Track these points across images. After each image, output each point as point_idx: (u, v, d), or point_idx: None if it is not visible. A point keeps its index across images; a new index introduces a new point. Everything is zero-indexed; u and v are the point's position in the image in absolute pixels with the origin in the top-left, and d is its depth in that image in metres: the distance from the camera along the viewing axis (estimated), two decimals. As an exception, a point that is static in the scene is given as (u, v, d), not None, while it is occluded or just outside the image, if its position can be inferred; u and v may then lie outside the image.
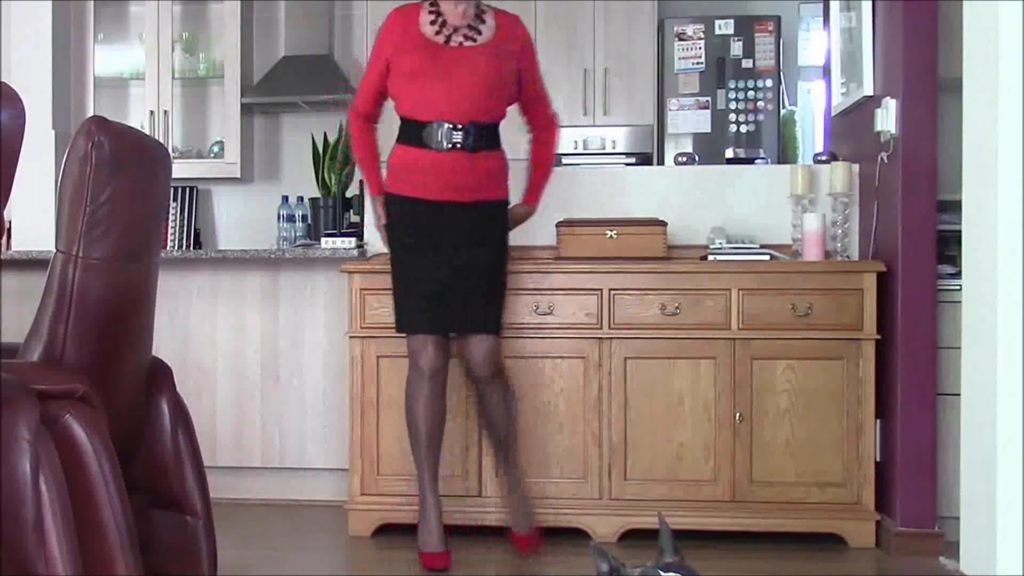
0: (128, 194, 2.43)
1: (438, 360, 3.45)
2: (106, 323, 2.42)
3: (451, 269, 3.40)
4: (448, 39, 3.43)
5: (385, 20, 3.52)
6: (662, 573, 1.96)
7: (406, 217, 3.45)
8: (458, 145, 3.37)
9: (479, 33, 3.45)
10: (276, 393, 4.44)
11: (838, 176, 3.98)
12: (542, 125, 3.65)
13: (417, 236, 3.44)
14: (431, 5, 3.48)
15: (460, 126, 3.37)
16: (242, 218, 5.96)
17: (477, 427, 3.79)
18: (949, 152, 3.49)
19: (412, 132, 3.42)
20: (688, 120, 5.56)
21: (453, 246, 3.40)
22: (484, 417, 3.56)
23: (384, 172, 3.56)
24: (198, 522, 2.74)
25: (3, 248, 4.68)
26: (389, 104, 3.59)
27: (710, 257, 3.89)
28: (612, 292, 3.79)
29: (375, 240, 4.27)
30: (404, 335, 3.50)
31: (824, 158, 4.22)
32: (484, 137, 3.41)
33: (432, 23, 3.44)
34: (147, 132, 5.38)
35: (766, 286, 3.75)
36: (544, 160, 3.65)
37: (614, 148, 5.55)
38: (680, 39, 5.57)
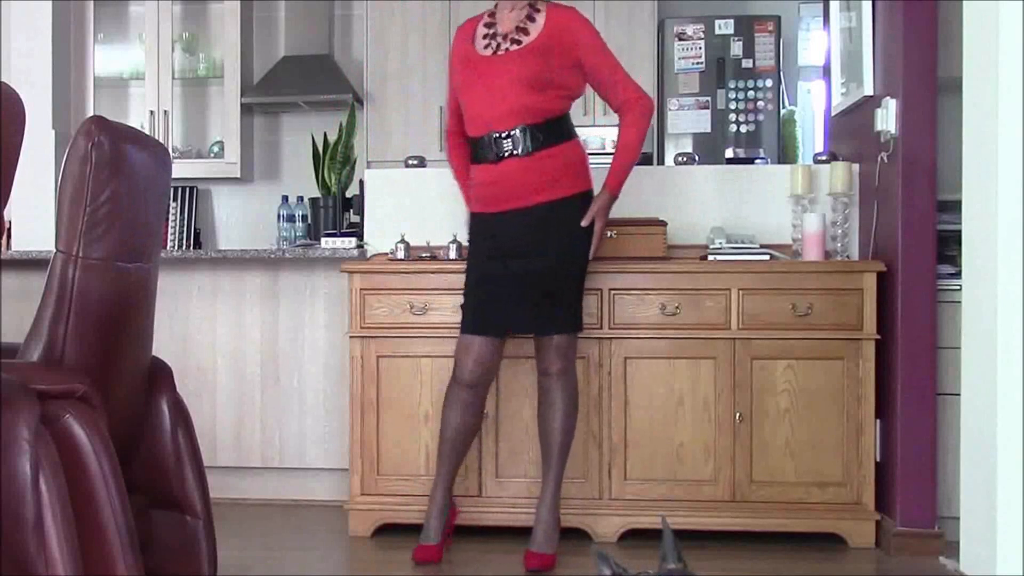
0: (128, 194, 2.43)
1: (475, 371, 3.42)
2: (106, 323, 2.42)
3: (510, 275, 3.39)
4: (496, 49, 3.42)
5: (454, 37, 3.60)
6: (664, 579, 1.95)
7: (479, 232, 3.49)
8: (512, 153, 3.36)
9: (526, 34, 3.41)
10: (276, 393, 4.44)
11: (838, 176, 3.98)
12: (618, 108, 3.50)
13: (485, 247, 3.45)
14: (489, 15, 3.51)
15: (507, 134, 3.35)
16: (242, 218, 5.97)
17: (480, 428, 3.78)
18: (949, 152, 3.49)
19: (472, 150, 3.47)
20: (688, 120, 5.56)
21: (518, 250, 3.39)
22: (540, 423, 3.52)
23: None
24: (198, 522, 2.74)
25: (3, 248, 4.68)
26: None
27: (710, 257, 3.89)
28: (612, 292, 3.79)
29: (375, 240, 4.28)
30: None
31: (824, 158, 4.21)
32: (539, 137, 3.36)
33: (485, 36, 3.47)
34: (147, 132, 5.38)
35: (766, 286, 3.75)
36: (622, 144, 3.49)
37: (614, 148, 5.54)
38: (680, 39, 5.57)
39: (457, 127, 3.60)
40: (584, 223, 3.41)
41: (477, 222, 3.51)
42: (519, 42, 3.41)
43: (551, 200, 3.39)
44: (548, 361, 3.45)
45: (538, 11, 3.44)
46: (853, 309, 3.72)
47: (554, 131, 3.39)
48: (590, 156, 5.60)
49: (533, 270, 3.39)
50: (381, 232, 4.26)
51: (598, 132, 5.56)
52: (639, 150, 3.52)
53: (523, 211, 3.38)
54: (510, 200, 3.39)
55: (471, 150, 3.50)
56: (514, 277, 3.39)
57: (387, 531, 3.84)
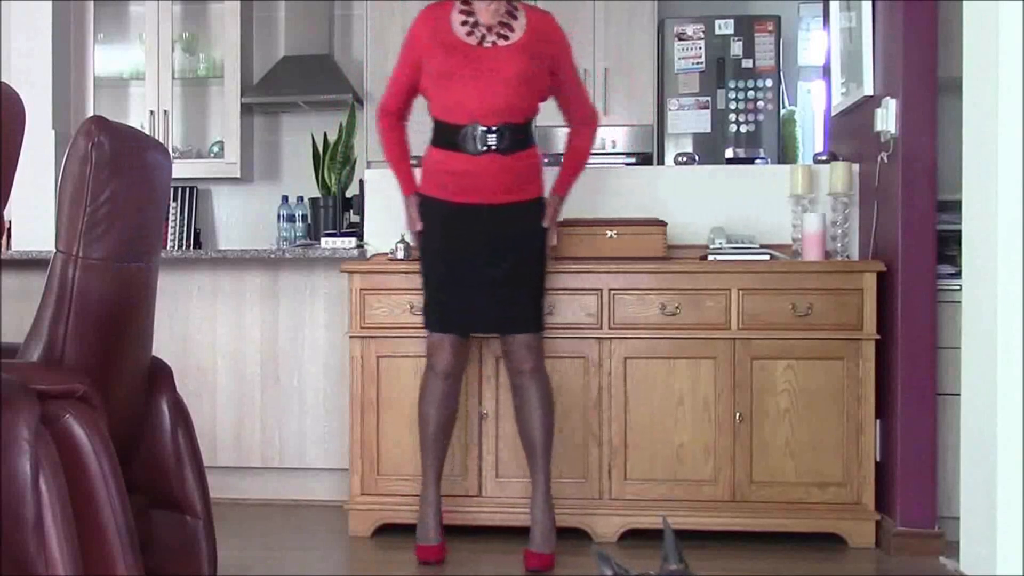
0: (128, 194, 2.43)
1: (453, 362, 3.46)
2: (106, 323, 2.42)
3: (485, 271, 3.40)
4: (481, 40, 3.40)
5: (416, 17, 3.50)
6: (665, 580, 1.95)
7: (439, 219, 3.46)
8: (492, 148, 3.36)
9: (511, 31, 3.42)
10: (276, 393, 4.44)
11: (838, 176, 3.98)
12: (579, 120, 3.61)
13: (449, 239, 3.44)
14: (463, 3, 3.46)
15: (493, 129, 3.35)
16: (242, 218, 5.97)
17: (478, 428, 3.79)
18: (949, 152, 3.49)
19: (445, 135, 3.41)
20: (688, 120, 5.56)
21: (487, 248, 3.40)
22: (520, 423, 3.52)
23: (418, 173, 3.55)
24: (198, 522, 2.74)
25: (3, 248, 4.68)
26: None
27: (710, 257, 3.89)
28: (612, 292, 3.79)
29: (375, 240, 4.28)
30: (425, 333, 3.52)
31: (824, 158, 4.21)
32: (518, 138, 3.40)
33: (464, 23, 3.42)
34: (147, 132, 5.38)
35: (766, 286, 3.75)
36: (577, 153, 3.63)
37: (614, 148, 5.56)
38: (680, 39, 5.57)
39: (399, 109, 3.56)
40: (546, 224, 3.50)
41: (437, 208, 3.46)
42: (506, 38, 3.41)
43: (519, 201, 3.43)
44: (520, 360, 3.45)
45: (516, 9, 3.46)
46: (853, 309, 3.72)
47: (528, 134, 3.46)
48: (592, 156, 5.63)
49: (509, 266, 3.41)
50: (381, 232, 4.26)
51: (599, 132, 5.54)
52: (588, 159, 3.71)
53: (493, 207, 3.39)
54: (482, 194, 3.39)
55: (440, 133, 3.43)
56: (492, 275, 3.40)
57: (387, 531, 3.84)
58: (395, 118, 3.57)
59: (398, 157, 3.59)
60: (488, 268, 3.40)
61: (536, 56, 3.42)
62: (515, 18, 3.44)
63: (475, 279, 3.41)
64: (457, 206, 3.42)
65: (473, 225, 3.41)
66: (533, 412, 3.46)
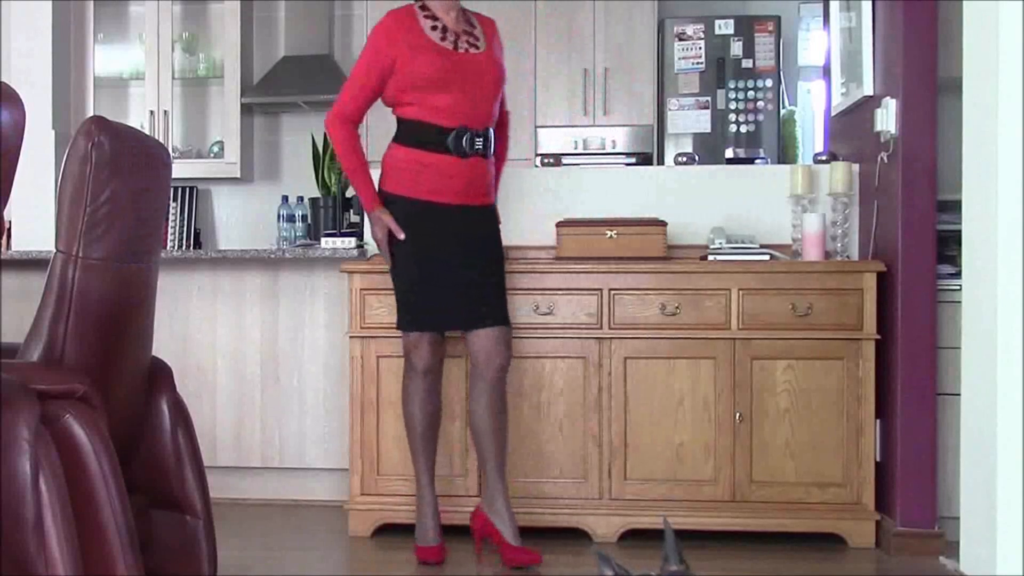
0: (128, 194, 2.43)
1: (431, 359, 3.49)
2: (106, 323, 2.42)
3: (461, 273, 3.42)
4: (455, 45, 3.43)
5: (382, 22, 3.46)
6: (665, 581, 1.95)
7: (402, 218, 3.43)
8: (480, 152, 3.41)
9: (477, 39, 3.49)
10: (276, 393, 4.44)
11: (838, 176, 3.98)
12: (502, 121, 3.67)
13: (416, 237, 3.43)
14: (423, 9, 3.47)
15: (480, 133, 3.41)
16: (242, 218, 5.97)
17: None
18: (949, 152, 3.49)
19: (426, 136, 3.39)
20: (688, 120, 5.56)
21: (460, 249, 3.42)
22: (482, 420, 3.46)
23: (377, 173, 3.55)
24: (198, 522, 2.74)
25: (3, 248, 4.68)
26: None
27: (710, 257, 3.89)
28: (612, 292, 3.79)
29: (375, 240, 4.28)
30: (400, 332, 3.52)
31: (824, 158, 4.21)
32: (491, 143, 3.48)
33: (434, 28, 3.43)
34: (147, 132, 5.38)
35: (766, 286, 3.75)
36: (504, 153, 3.72)
37: (614, 148, 5.56)
38: (680, 39, 5.57)
39: (359, 115, 3.50)
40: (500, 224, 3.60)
41: (400, 207, 3.43)
42: (476, 47, 3.48)
43: (486, 204, 3.52)
44: (501, 356, 3.43)
45: (470, 15, 3.55)
46: (853, 309, 3.72)
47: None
48: (592, 156, 5.66)
49: (479, 271, 3.44)
50: (381, 232, 4.25)
51: (598, 132, 5.57)
52: None
53: (464, 208, 3.43)
54: (459, 195, 3.42)
55: (421, 135, 3.40)
56: (457, 277, 3.42)
57: (387, 531, 3.84)
58: (353, 125, 3.51)
59: (362, 167, 3.49)
60: (464, 270, 3.42)
61: (499, 64, 3.53)
62: (473, 25, 3.52)
63: (449, 279, 3.42)
64: (423, 204, 3.42)
65: (444, 225, 3.42)
66: (501, 409, 3.46)
